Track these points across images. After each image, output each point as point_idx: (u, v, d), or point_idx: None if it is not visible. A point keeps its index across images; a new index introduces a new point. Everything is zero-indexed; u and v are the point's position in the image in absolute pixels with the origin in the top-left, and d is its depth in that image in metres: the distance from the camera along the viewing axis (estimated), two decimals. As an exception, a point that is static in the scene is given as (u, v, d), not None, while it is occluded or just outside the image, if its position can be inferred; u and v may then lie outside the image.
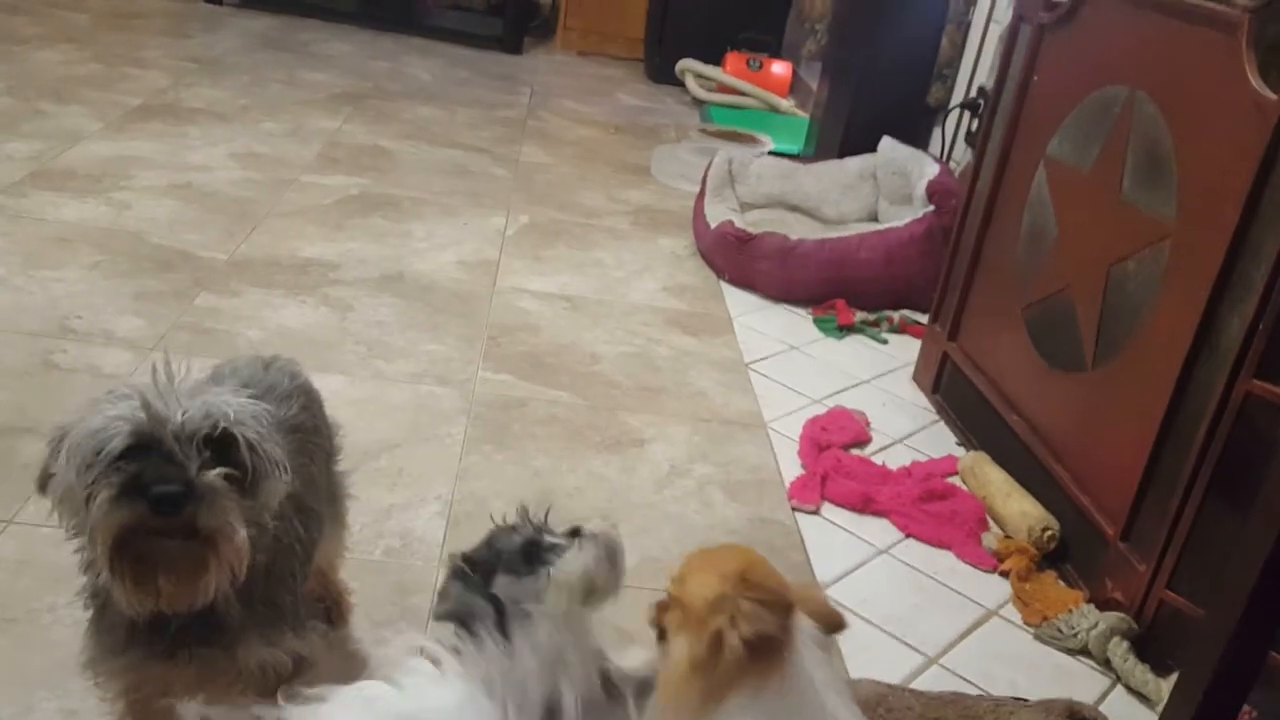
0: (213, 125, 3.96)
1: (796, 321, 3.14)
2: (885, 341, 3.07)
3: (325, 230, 3.21)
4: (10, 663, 1.49)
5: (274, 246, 3.04)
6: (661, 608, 1.15)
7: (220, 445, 1.04)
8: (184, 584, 1.05)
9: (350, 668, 1.58)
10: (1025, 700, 1.46)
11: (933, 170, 3.29)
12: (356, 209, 3.42)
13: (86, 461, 1.01)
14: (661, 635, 1.15)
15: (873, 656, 1.81)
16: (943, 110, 3.81)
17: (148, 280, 2.71)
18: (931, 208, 3.15)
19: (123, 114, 3.90)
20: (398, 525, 1.95)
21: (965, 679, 1.78)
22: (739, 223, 3.29)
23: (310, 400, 1.46)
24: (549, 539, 1.26)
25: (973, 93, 3.63)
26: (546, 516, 1.31)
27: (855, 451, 2.44)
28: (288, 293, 2.78)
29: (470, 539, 1.95)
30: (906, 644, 1.86)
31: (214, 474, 1.02)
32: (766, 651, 1.04)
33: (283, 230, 3.16)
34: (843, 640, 1.82)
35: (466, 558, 1.29)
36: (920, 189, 3.25)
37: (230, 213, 3.21)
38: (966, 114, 3.61)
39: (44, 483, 1.09)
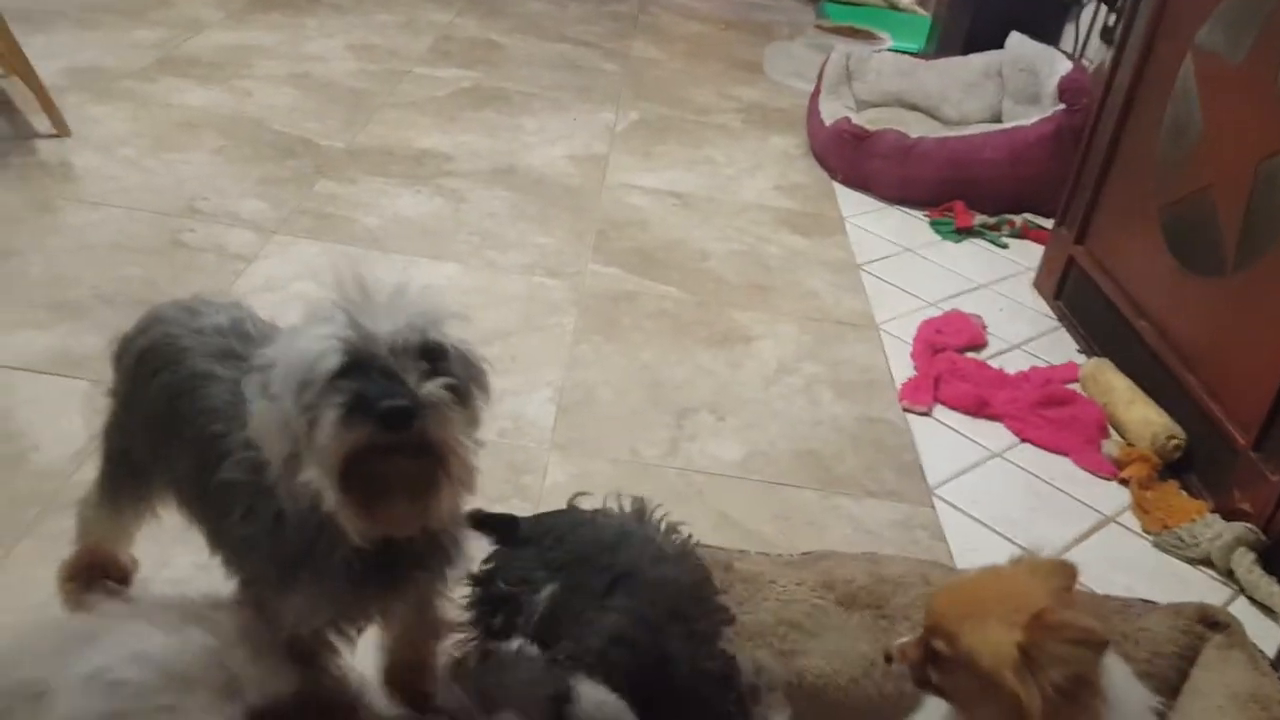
0: (329, 16, 3.98)
1: (912, 223, 3.05)
2: (1005, 246, 2.97)
3: (439, 122, 3.22)
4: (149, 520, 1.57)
5: (389, 137, 3.07)
6: (924, 658, 1.02)
7: (431, 356, 0.97)
8: (416, 505, 0.99)
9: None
10: (1153, 603, 1.43)
11: (1065, 67, 3.13)
12: (469, 102, 3.42)
13: (300, 384, 0.93)
14: (933, 688, 1.04)
15: (982, 556, 1.78)
16: (1077, 4, 3.61)
17: (269, 165, 2.77)
18: (1062, 106, 3.00)
19: (243, 4, 3.95)
20: (510, 409, 1.98)
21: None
22: (855, 120, 3.19)
23: None
24: None
25: (1112, -15, 3.42)
26: None
27: (971, 355, 2.38)
28: (403, 182, 2.81)
29: (579, 426, 2.00)
30: (1019, 545, 1.83)
31: (436, 385, 0.95)
32: (1082, 699, 0.93)
33: (398, 121, 3.18)
34: (952, 539, 1.83)
35: None
36: (1050, 87, 3.10)
37: (347, 102, 3.24)
38: (1103, 8, 3.40)
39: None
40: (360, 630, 1.16)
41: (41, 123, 2.72)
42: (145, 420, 1.19)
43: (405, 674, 1.27)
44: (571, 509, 1.31)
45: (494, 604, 1.22)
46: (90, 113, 2.88)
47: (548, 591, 1.15)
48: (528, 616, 1.14)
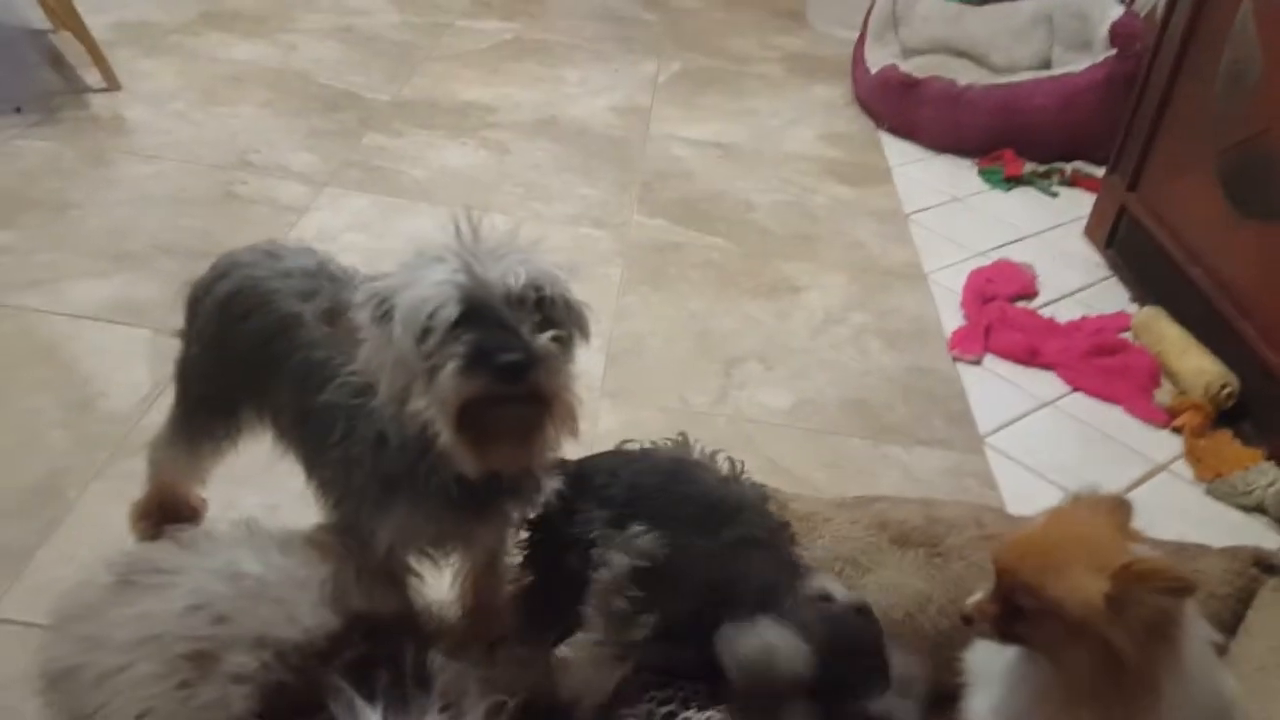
0: (369, -31, 3.98)
1: (960, 172, 3.02)
2: (1055, 194, 2.93)
3: (481, 74, 3.22)
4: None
5: (433, 89, 3.07)
6: (1004, 613, 1.02)
7: (541, 306, 1.01)
8: (522, 446, 1.05)
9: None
10: (1208, 547, 1.43)
11: (1116, 12, 3.06)
12: (510, 54, 3.41)
13: (421, 331, 0.98)
14: (1016, 640, 1.05)
15: (1034, 504, 1.78)
16: (1130, -53, 3.52)
17: (317, 119, 2.79)
18: (1114, 52, 2.95)
19: (283, -43, 3.95)
20: (560, 357, 2.00)
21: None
22: (903, 67, 3.15)
23: None
24: None
25: (1167, -74, 3.33)
26: None
27: (1021, 304, 2.36)
28: (448, 134, 2.82)
29: (629, 375, 2.01)
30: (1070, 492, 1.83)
31: (546, 338, 0.99)
32: (1165, 638, 0.95)
33: (441, 74, 3.18)
34: (1003, 487, 1.83)
35: None
36: (1102, 32, 3.04)
37: (391, 55, 3.25)
38: (1158, -50, 3.32)
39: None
40: (447, 555, 1.21)
41: (92, 77, 2.75)
42: (236, 360, 1.22)
43: (474, 619, 1.31)
44: (616, 450, 1.33)
45: (555, 546, 1.24)
46: (140, 67, 2.91)
47: (646, 538, 1.15)
48: (601, 557, 1.16)
